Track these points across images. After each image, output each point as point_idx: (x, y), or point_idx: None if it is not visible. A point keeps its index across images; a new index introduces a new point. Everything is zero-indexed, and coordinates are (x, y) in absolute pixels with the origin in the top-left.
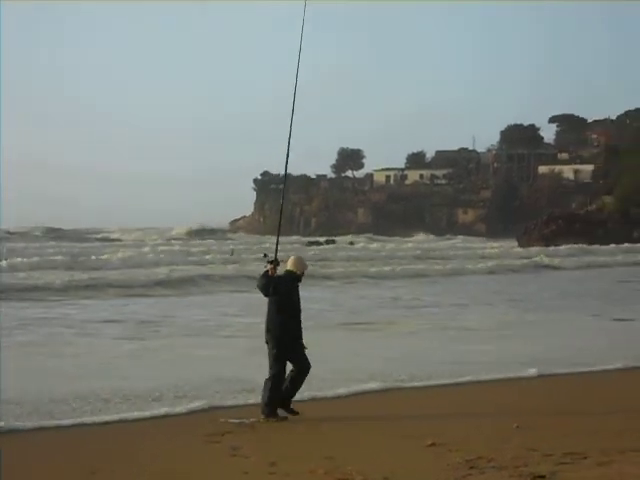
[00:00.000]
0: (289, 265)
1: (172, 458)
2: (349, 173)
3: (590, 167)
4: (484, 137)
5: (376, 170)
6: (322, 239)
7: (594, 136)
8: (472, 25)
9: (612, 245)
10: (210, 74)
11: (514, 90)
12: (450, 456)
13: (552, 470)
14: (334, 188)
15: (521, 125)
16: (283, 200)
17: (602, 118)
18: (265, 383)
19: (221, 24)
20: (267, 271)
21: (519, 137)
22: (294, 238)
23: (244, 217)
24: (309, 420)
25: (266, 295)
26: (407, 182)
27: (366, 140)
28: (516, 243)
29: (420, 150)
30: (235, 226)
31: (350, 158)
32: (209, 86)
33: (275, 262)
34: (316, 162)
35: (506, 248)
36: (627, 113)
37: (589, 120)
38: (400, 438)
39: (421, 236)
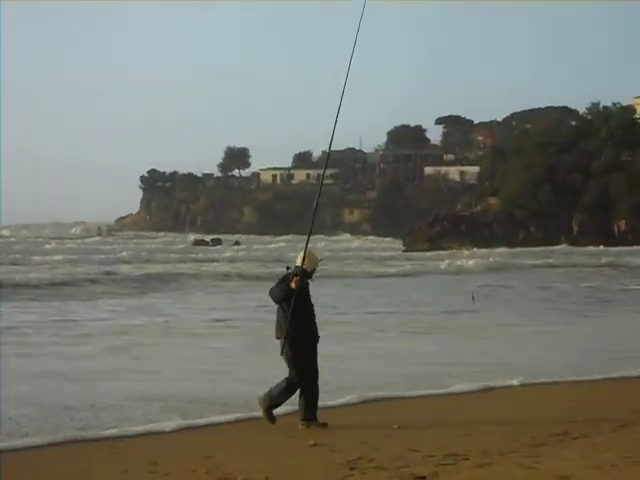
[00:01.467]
0: (299, 261)
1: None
2: (236, 172)
3: (476, 169)
4: (371, 138)
5: (263, 169)
6: (208, 238)
7: (480, 138)
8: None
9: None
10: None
11: (402, 91)
12: (332, 456)
13: (433, 471)
14: (220, 187)
15: (408, 126)
16: (319, 198)
17: (488, 120)
18: (280, 383)
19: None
20: (287, 283)
21: (406, 138)
22: (179, 237)
23: (131, 215)
24: (189, 420)
25: (277, 303)
26: (294, 182)
27: (253, 139)
28: (401, 243)
29: (307, 150)
30: (122, 224)
31: (237, 157)
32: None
33: (301, 274)
34: (206, 160)
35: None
36: (513, 115)
37: (475, 122)
38: (282, 438)
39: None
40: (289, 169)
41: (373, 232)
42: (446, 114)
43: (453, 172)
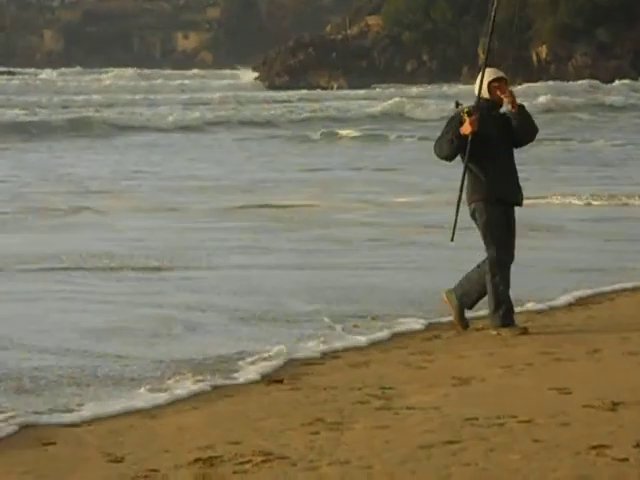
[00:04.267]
0: (476, 88)
1: None
2: None
3: None
4: None
5: None
6: None
7: None
8: None
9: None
10: None
11: None
12: None
13: None
14: (12, 3)
15: None
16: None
17: None
18: (474, 270)
19: None
20: (456, 127)
21: None
22: None
23: None
24: None
25: (445, 159)
26: None
27: None
28: (253, 76)
29: None
30: None
31: None
32: None
33: (475, 111)
34: None
35: None
36: None
37: None
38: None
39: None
40: None
41: (215, 63)
42: None
43: None
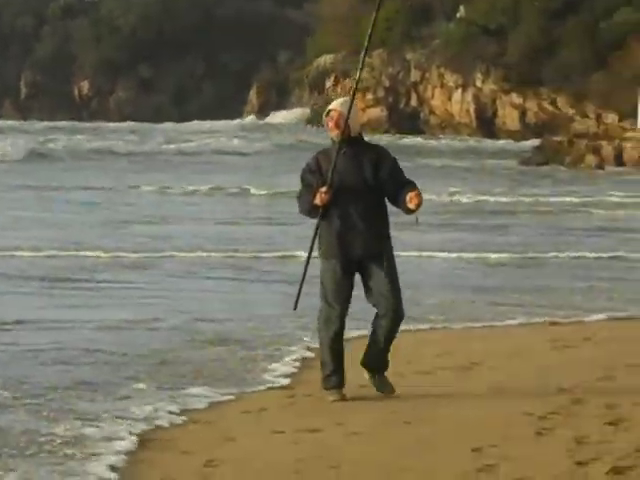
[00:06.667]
0: (330, 122)
1: None
2: None
3: None
4: None
5: None
6: None
7: None
8: None
9: None
10: None
11: None
12: None
13: None
14: None
15: None
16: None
17: None
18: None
19: None
20: (309, 197)
21: None
22: None
23: None
24: None
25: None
26: None
27: None
28: None
29: None
30: None
31: None
32: None
33: (329, 184)
34: None
35: None
36: None
37: None
38: None
39: None
40: None
41: None
42: None
43: None
